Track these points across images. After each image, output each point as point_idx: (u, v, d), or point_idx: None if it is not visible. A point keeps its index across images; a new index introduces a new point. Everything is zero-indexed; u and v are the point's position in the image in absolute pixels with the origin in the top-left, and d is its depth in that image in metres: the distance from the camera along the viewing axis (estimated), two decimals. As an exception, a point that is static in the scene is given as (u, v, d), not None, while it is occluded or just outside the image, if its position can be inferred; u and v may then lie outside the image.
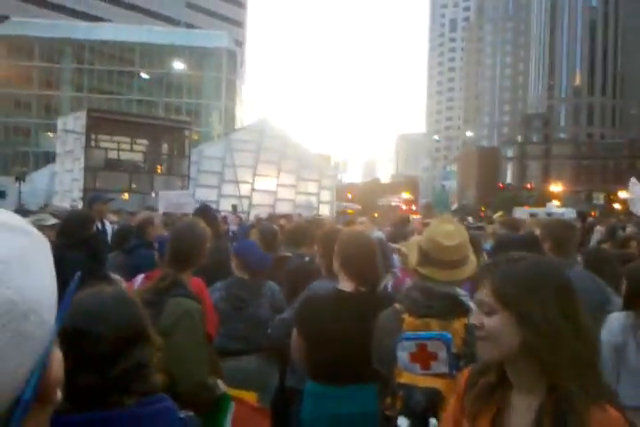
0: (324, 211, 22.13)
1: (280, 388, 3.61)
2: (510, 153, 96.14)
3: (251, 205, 21.40)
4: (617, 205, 50.53)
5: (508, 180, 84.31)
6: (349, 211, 30.60)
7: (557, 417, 1.23)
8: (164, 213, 10.62)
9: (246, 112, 76.19)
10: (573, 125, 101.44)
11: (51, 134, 44.45)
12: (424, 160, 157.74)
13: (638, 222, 9.76)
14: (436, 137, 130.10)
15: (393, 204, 55.26)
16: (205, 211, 5.66)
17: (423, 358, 2.20)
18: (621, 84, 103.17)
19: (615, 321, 2.91)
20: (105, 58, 64.60)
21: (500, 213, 17.99)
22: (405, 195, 71.58)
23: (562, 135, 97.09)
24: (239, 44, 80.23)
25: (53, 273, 0.60)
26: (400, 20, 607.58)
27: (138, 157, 23.42)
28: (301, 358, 2.94)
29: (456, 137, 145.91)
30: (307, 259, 4.51)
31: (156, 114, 50.63)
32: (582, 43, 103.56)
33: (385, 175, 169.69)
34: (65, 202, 18.99)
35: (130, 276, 4.25)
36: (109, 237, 6.75)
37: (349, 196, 56.02)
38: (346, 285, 2.85)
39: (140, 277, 3.56)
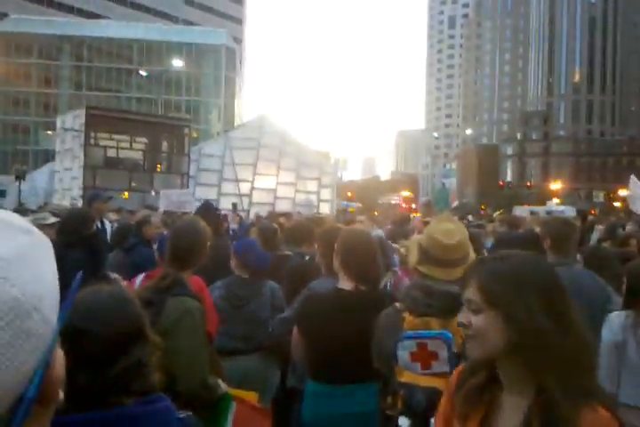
0: (325, 209, 22.11)
1: (281, 387, 3.61)
2: (510, 151, 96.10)
3: (250, 203, 21.38)
4: (617, 203, 50.53)
5: (508, 177, 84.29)
6: (350, 209, 30.59)
7: (545, 420, 1.21)
8: (165, 212, 10.62)
9: (245, 109, 76.26)
10: (573, 123, 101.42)
11: (50, 132, 44.38)
12: (424, 157, 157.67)
13: (638, 221, 9.76)
14: (435, 134, 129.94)
15: (393, 202, 55.29)
16: (207, 209, 5.65)
17: (424, 357, 2.20)
18: (621, 81, 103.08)
19: (616, 320, 2.91)
20: (103, 55, 64.51)
21: (499, 212, 17.99)
22: (405, 193, 71.56)
23: (561, 133, 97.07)
24: (238, 41, 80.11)
25: (55, 272, 0.60)
26: (398, 17, 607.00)
27: (137, 155, 23.38)
28: (302, 358, 2.94)
29: (455, 134, 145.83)
30: (307, 257, 4.51)
31: (155, 111, 50.49)
32: (581, 40, 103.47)
33: (384, 172, 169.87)
34: (65, 200, 18.99)
35: (129, 274, 4.26)
36: (108, 236, 6.75)
37: (349, 194, 56.04)
38: (346, 283, 2.84)
39: (141, 276, 3.55)
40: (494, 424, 1.33)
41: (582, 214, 13.28)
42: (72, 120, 21.85)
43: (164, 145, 24.86)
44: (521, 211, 29.59)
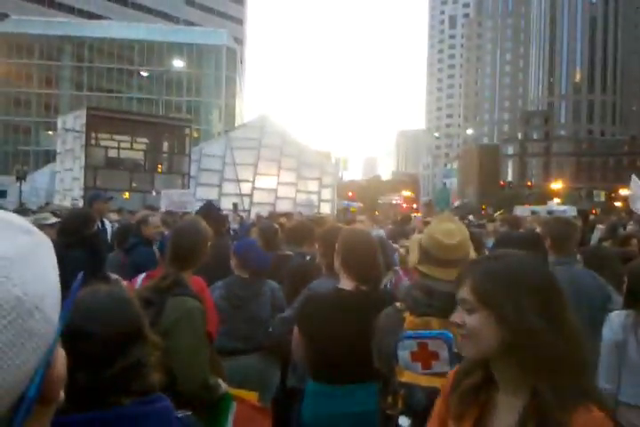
0: (325, 209, 22.12)
1: (281, 387, 3.61)
2: (510, 150, 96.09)
3: (251, 203, 21.39)
4: (618, 203, 50.49)
5: (509, 177, 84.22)
6: (352, 209, 30.55)
7: (540, 421, 1.21)
8: (167, 212, 10.63)
9: (246, 109, 76.26)
10: (574, 122, 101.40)
11: (51, 133, 44.43)
12: (425, 157, 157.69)
13: (639, 220, 9.75)
14: (436, 134, 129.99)
15: (394, 202, 55.27)
16: (209, 209, 5.65)
17: (424, 357, 2.20)
18: (622, 80, 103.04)
19: (616, 319, 2.91)
20: (104, 56, 64.53)
21: (500, 212, 17.98)
22: (406, 193, 71.57)
23: (562, 132, 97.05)
24: (239, 41, 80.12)
25: (57, 272, 0.61)
26: (399, 17, 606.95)
27: (138, 155, 23.39)
28: (302, 358, 2.94)
29: (456, 134, 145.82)
30: (308, 257, 4.51)
31: (156, 112, 50.59)
32: (582, 39, 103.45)
33: (385, 172, 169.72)
34: (66, 201, 19.02)
35: (130, 274, 4.26)
36: (109, 236, 6.76)
37: (350, 194, 56.02)
38: (347, 283, 2.84)
39: (142, 276, 3.55)
40: (489, 425, 1.32)
41: (583, 214, 13.26)
42: (73, 121, 21.88)
43: (165, 145, 24.87)
44: (522, 211, 29.57)
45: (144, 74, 57.27)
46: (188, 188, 19.69)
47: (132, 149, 22.85)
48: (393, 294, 3.07)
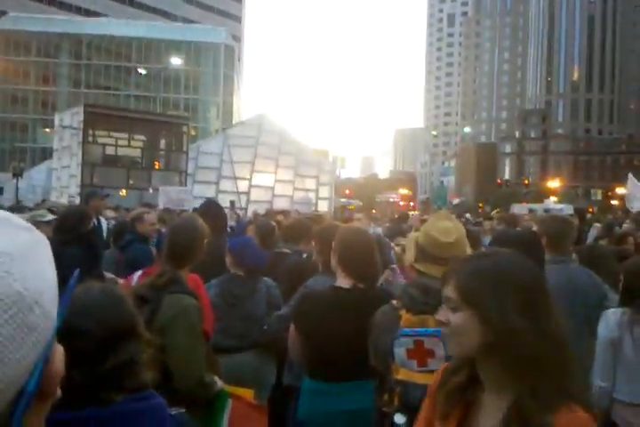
0: (323, 207, 22.12)
1: (277, 385, 3.61)
2: (508, 149, 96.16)
3: (248, 201, 21.39)
4: (614, 201, 50.59)
5: (506, 176, 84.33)
6: (350, 207, 30.53)
7: (523, 422, 1.20)
8: (164, 210, 10.62)
9: (244, 107, 76.20)
10: (571, 121, 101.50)
11: (48, 130, 44.35)
12: (422, 156, 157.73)
13: (636, 219, 9.77)
14: (434, 132, 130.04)
15: (391, 200, 55.29)
16: (209, 207, 5.61)
17: (420, 354, 2.20)
18: (619, 79, 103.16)
19: (612, 317, 2.92)
20: (102, 53, 64.38)
21: (497, 210, 18.01)
22: (403, 191, 71.62)
23: (559, 131, 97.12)
24: (237, 39, 80.00)
25: (54, 268, 0.61)
26: (398, 15, 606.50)
27: (135, 152, 23.38)
28: (298, 356, 2.94)
29: (454, 133, 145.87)
30: (305, 255, 4.51)
31: (154, 109, 50.44)
32: (580, 38, 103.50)
33: (383, 171, 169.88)
34: (62, 198, 18.99)
35: (125, 271, 4.26)
36: (104, 234, 6.75)
37: (347, 192, 56.05)
38: (343, 281, 2.84)
39: (138, 273, 3.54)
40: (474, 424, 1.32)
41: (580, 213, 13.29)
42: (70, 118, 21.85)
43: (163, 143, 24.86)
44: (520, 209, 29.66)
45: (142, 71, 57.17)
46: (185, 185, 19.68)
47: (129, 146, 22.84)
48: (389, 291, 3.07)
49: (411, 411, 2.16)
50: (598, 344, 2.90)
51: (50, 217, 5.23)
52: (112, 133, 22.52)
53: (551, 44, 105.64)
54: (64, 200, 17.68)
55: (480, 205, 55.71)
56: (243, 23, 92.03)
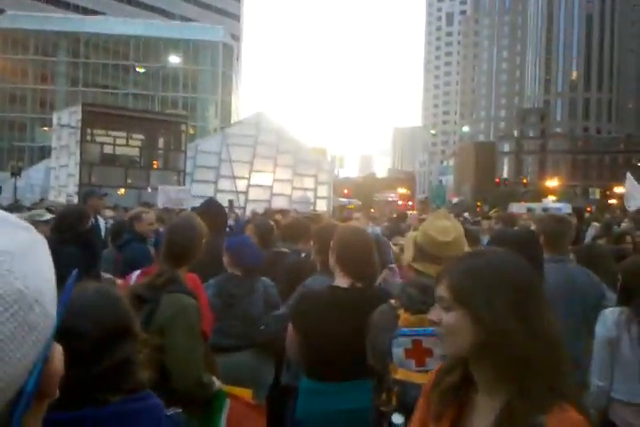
0: (322, 206, 22.13)
1: (275, 385, 3.61)
2: (507, 148, 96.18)
3: (247, 200, 21.39)
4: (613, 200, 50.65)
5: (505, 174, 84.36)
6: (350, 206, 30.50)
7: (515, 423, 1.19)
8: (164, 209, 10.62)
9: (243, 106, 76.15)
10: (570, 120, 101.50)
11: (46, 129, 44.28)
12: (421, 155, 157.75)
13: (634, 218, 9.79)
14: (433, 131, 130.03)
15: (389, 199, 55.26)
16: (209, 206, 5.58)
17: (418, 354, 2.20)
18: (618, 78, 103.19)
19: (610, 316, 2.92)
20: (100, 51, 64.28)
21: (495, 210, 18.03)
22: (402, 190, 71.62)
23: (558, 130, 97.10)
24: (235, 37, 79.87)
25: (52, 268, 0.62)
26: (396, 14, 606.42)
27: (134, 151, 23.35)
28: (296, 355, 2.94)
29: (452, 132, 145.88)
30: (303, 255, 4.51)
31: (152, 108, 50.32)
32: (579, 37, 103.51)
33: (381, 170, 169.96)
34: (61, 197, 18.98)
35: (124, 270, 4.25)
36: (102, 233, 6.74)
37: (345, 191, 56.01)
38: (342, 281, 2.84)
39: (137, 272, 3.54)
40: (467, 425, 1.31)
41: (578, 212, 13.30)
42: (68, 117, 21.83)
43: (161, 142, 24.83)
44: (518, 207, 29.71)
45: (140, 70, 57.08)
46: (184, 184, 19.68)
47: (127, 145, 22.83)
48: (388, 291, 3.07)
49: (409, 411, 2.15)
50: (596, 343, 2.90)
51: (48, 216, 5.23)
52: (110, 132, 22.49)
53: (549, 43, 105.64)
54: (62, 199, 17.67)
55: (478, 204, 55.70)
56: (241, 22, 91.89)
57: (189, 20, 74.60)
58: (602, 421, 2.87)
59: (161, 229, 5.78)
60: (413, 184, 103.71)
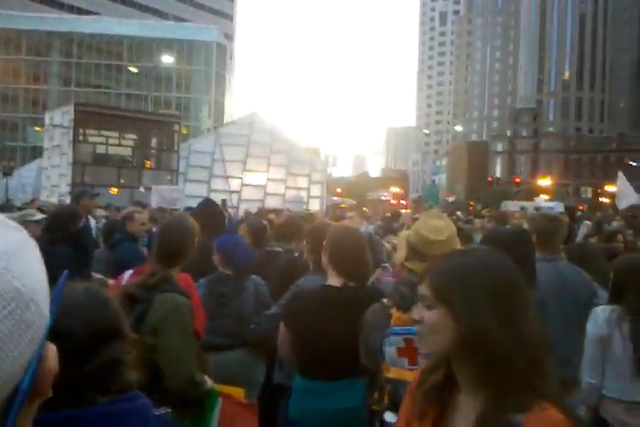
0: (315, 206, 22.12)
1: (267, 384, 3.60)
2: (500, 147, 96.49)
3: (240, 199, 21.35)
4: (605, 199, 50.89)
5: (498, 174, 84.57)
6: (344, 206, 30.47)
7: (494, 422, 1.19)
8: (157, 209, 10.59)
9: (236, 106, 76.05)
10: (562, 120, 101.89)
11: (38, 129, 44.08)
12: (414, 154, 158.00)
13: (625, 216, 9.84)
14: (426, 131, 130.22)
15: (383, 198, 55.27)
16: (206, 206, 5.56)
17: (411, 352, 2.21)
18: (610, 78, 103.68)
19: (601, 314, 2.93)
20: (93, 51, 64.10)
21: (487, 209, 18.08)
22: (395, 189, 71.68)
23: (551, 129, 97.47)
24: (229, 37, 79.79)
25: (44, 268, 0.62)
26: (390, 14, 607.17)
27: (126, 151, 23.30)
28: (289, 354, 2.94)
29: (446, 131, 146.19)
30: (296, 254, 4.51)
31: (145, 108, 50.21)
32: (571, 37, 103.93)
33: (375, 169, 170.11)
34: (53, 197, 18.91)
35: (115, 270, 4.23)
36: (93, 233, 6.72)
37: (338, 190, 56.01)
38: (334, 280, 2.84)
39: (129, 272, 3.53)
40: (449, 424, 1.31)
41: (570, 211, 13.36)
42: (61, 116, 21.74)
43: (154, 141, 24.79)
44: (512, 206, 29.80)
45: (133, 70, 56.93)
46: (177, 184, 19.64)
47: (120, 145, 22.77)
48: (380, 290, 3.07)
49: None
50: (587, 341, 2.91)
51: (39, 216, 5.21)
52: (103, 132, 22.42)
53: (542, 43, 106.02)
54: (54, 199, 17.61)
55: (471, 203, 55.81)
56: (235, 21, 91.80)
57: (183, 19, 74.47)
58: (593, 418, 2.88)
59: (154, 229, 5.75)
60: (407, 183, 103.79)
